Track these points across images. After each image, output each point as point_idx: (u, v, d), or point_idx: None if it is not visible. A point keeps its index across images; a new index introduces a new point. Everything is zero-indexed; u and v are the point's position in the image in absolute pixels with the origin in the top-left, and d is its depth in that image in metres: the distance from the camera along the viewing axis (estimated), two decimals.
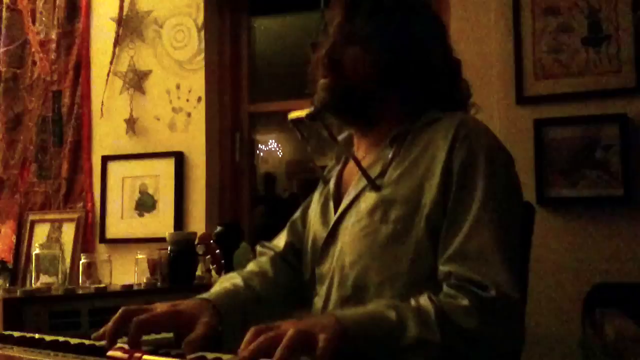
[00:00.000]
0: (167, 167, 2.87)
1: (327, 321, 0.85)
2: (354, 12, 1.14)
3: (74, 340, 0.94)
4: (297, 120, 1.16)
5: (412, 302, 0.92)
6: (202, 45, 2.88)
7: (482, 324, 0.90)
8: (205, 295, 1.09)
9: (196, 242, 2.17)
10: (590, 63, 2.28)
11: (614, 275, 2.14)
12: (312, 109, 1.13)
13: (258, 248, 1.33)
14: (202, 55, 2.88)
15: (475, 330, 0.89)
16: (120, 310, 0.96)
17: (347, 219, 1.11)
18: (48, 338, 0.97)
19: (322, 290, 1.12)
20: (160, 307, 1.00)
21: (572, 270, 2.21)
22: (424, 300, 0.91)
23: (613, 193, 2.19)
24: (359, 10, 1.14)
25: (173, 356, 0.83)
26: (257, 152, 6.26)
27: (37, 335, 1.01)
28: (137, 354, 0.85)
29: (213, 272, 2.34)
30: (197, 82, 2.88)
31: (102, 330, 0.94)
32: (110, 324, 0.94)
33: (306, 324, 0.84)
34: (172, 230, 2.75)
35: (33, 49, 3.15)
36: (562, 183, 2.25)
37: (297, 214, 1.32)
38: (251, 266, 1.25)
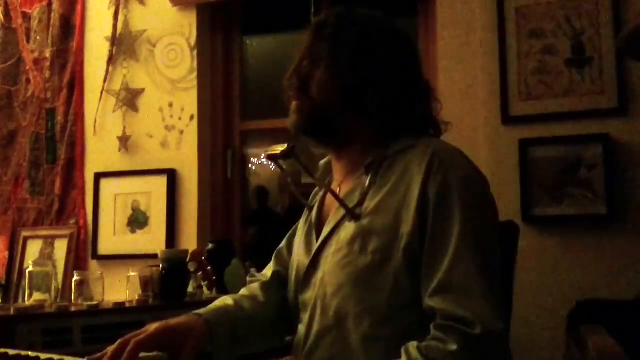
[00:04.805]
0: (159, 184, 2.89)
1: None
2: (320, 35, 1.17)
3: (69, 359, 0.97)
4: (274, 156, 1.19)
5: (403, 356, 0.93)
6: (195, 64, 2.92)
7: None
8: (196, 311, 1.13)
9: (188, 259, 2.20)
10: (574, 84, 2.33)
11: (598, 293, 2.17)
12: (285, 147, 1.16)
13: (248, 279, 1.36)
14: (195, 73, 2.92)
15: None
16: (118, 342, 1.00)
17: (327, 248, 1.12)
18: (43, 356, 1.00)
19: (305, 317, 1.14)
20: (153, 326, 1.04)
21: (556, 287, 2.25)
22: (413, 350, 0.93)
23: (597, 211, 2.24)
24: (325, 33, 1.16)
25: None
26: (250, 166, 6.27)
27: (31, 353, 1.03)
28: None
29: (205, 289, 2.37)
30: (189, 101, 2.91)
31: (98, 355, 0.98)
32: (109, 354, 0.98)
33: None
34: (164, 247, 2.77)
35: (27, 67, 3.18)
36: (547, 201, 2.30)
37: (283, 242, 1.34)
38: (243, 291, 1.29)
